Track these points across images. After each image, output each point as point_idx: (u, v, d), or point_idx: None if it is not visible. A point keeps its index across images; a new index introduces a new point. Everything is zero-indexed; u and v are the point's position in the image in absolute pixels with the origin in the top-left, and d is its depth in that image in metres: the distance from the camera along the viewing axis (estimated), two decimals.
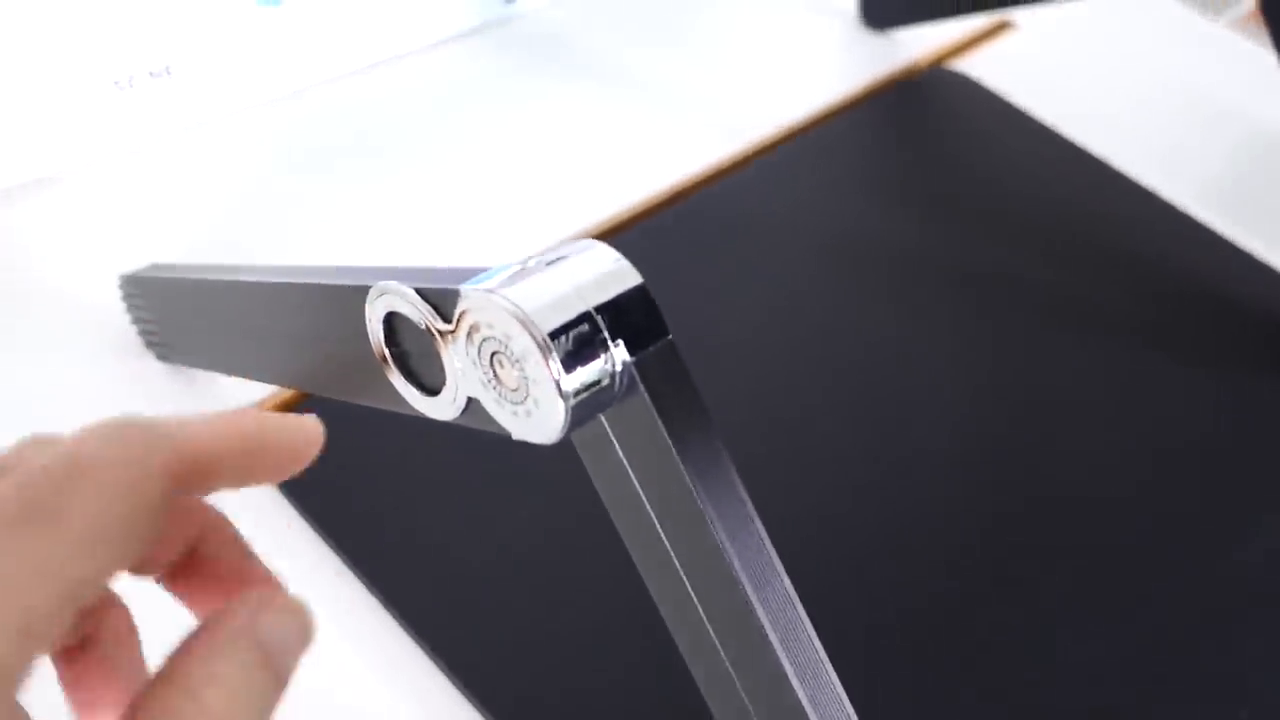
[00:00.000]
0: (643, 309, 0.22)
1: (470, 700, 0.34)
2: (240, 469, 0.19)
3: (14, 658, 0.14)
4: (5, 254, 0.43)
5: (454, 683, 0.34)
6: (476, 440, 0.38)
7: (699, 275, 0.49)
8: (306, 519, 0.37)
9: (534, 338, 0.20)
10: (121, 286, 0.39)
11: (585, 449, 0.23)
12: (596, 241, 0.23)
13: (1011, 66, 0.64)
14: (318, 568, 0.36)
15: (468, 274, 0.22)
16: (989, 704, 0.36)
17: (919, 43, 0.64)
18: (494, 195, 0.50)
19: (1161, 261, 0.55)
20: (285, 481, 0.34)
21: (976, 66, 0.64)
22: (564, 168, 0.52)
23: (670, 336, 0.22)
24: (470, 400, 0.23)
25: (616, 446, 0.23)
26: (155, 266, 0.39)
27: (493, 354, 0.21)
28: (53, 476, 0.15)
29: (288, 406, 0.40)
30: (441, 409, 0.24)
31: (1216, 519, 0.43)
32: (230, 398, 0.39)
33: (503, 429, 0.23)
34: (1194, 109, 0.65)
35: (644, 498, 0.22)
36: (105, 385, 0.39)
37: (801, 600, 0.23)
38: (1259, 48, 0.69)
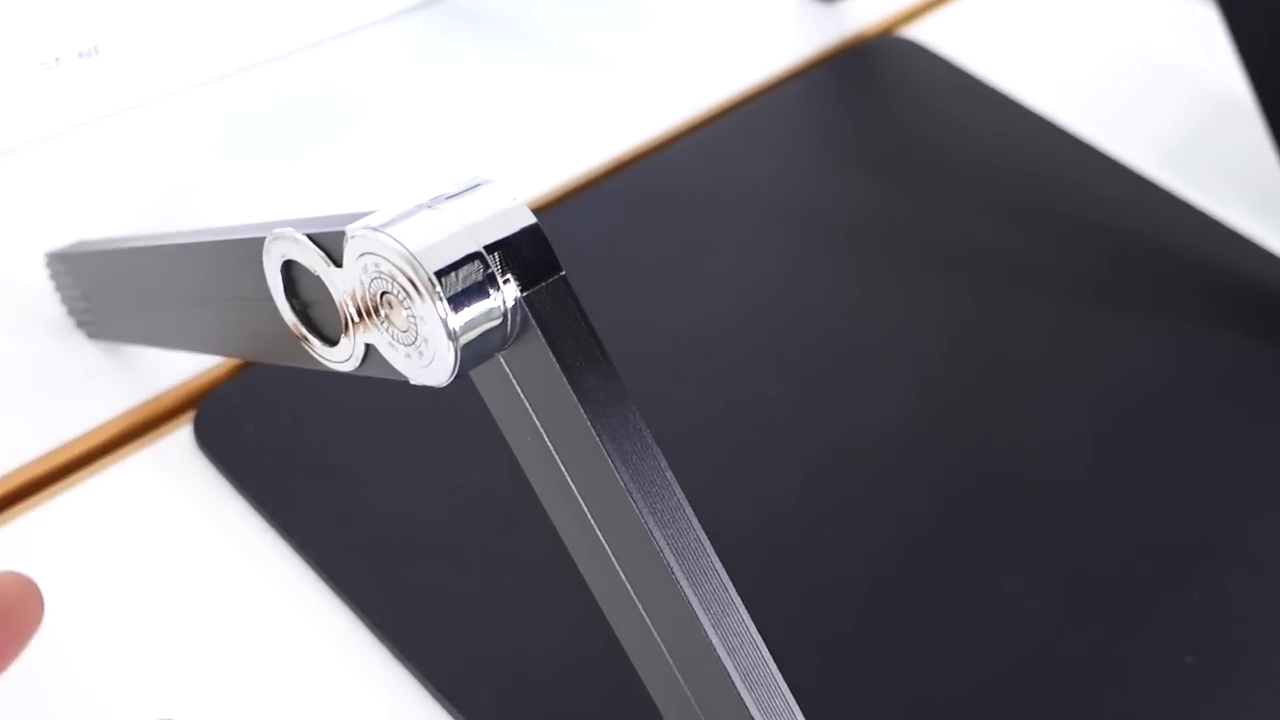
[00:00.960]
0: (535, 246, 0.21)
1: (421, 682, 0.33)
2: None
3: None
4: None
5: (398, 658, 0.34)
6: (418, 405, 0.38)
7: (644, 246, 0.49)
8: (254, 507, 0.36)
9: (420, 276, 0.20)
10: (48, 265, 0.39)
11: (487, 391, 0.23)
12: (490, 178, 0.23)
13: (963, 33, 0.64)
14: (256, 540, 0.36)
15: (355, 217, 0.22)
16: (937, 662, 0.36)
17: (869, 10, 0.64)
18: (436, 169, 0.50)
19: (1117, 223, 0.55)
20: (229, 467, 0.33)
21: (928, 33, 0.63)
22: (508, 140, 0.52)
23: (564, 273, 0.21)
24: (368, 348, 0.23)
25: (516, 385, 0.22)
26: (81, 243, 0.38)
27: (381, 294, 0.21)
28: None
29: (221, 379, 0.40)
30: (341, 358, 0.24)
31: (1170, 474, 0.43)
32: (162, 371, 0.39)
33: (400, 374, 0.22)
34: (1146, 71, 0.65)
35: (545, 437, 0.22)
36: (36, 364, 0.38)
37: (748, 576, 0.22)
38: (1210, 9, 0.69)
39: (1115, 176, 0.57)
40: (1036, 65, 0.63)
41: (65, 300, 0.39)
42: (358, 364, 0.23)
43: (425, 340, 0.21)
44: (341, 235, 0.21)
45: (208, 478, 0.36)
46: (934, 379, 0.46)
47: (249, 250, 0.24)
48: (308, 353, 0.25)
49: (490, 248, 0.21)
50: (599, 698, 0.33)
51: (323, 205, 0.47)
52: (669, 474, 0.22)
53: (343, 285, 0.22)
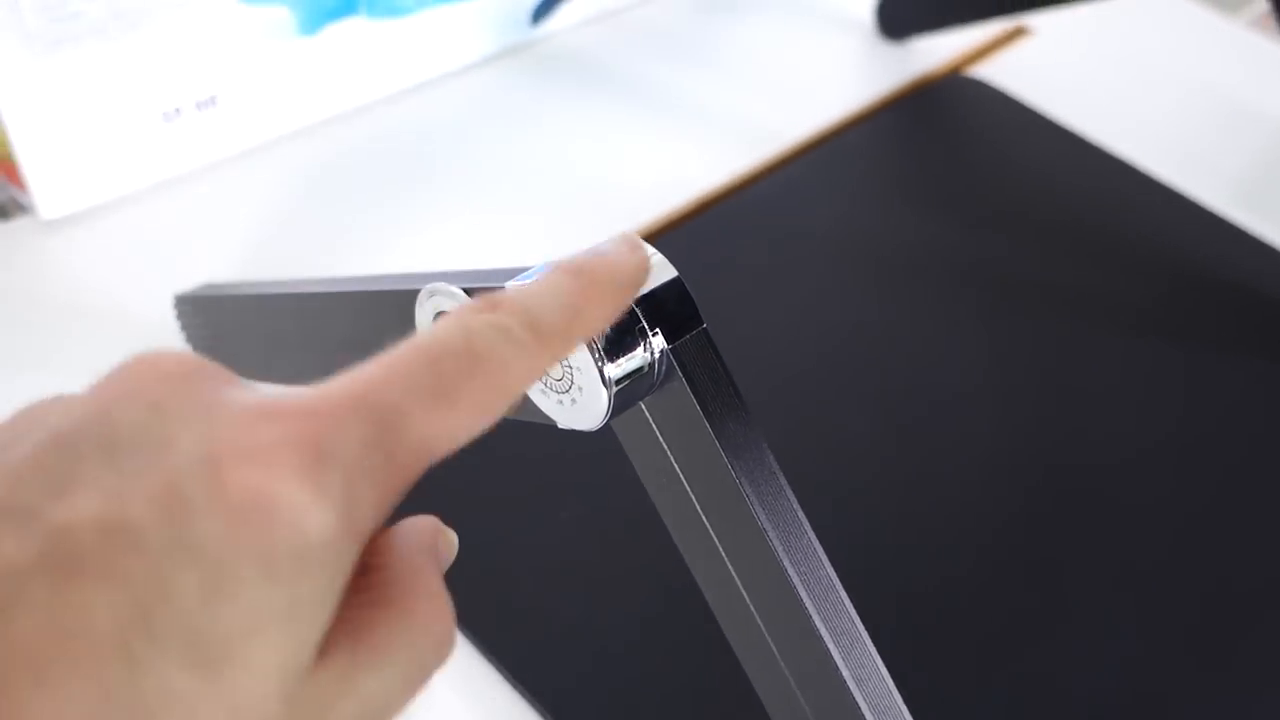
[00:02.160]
0: (678, 300, 0.23)
1: (522, 694, 0.35)
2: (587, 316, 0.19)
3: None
4: (64, 280, 0.45)
5: (505, 678, 0.35)
6: (522, 440, 0.40)
7: (727, 282, 0.50)
8: None
9: None
10: (176, 306, 0.41)
11: (626, 435, 0.24)
12: (634, 234, 0.24)
13: (1029, 71, 0.66)
14: None
15: (513, 273, 0.24)
16: (1018, 691, 0.37)
17: (936, 51, 0.65)
18: (527, 213, 0.52)
19: (1187, 259, 0.56)
20: None
21: (994, 72, 0.65)
22: (593, 183, 0.54)
23: (705, 326, 0.23)
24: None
25: (656, 431, 0.24)
26: (208, 286, 0.41)
27: None
28: None
29: None
30: None
31: (1243, 513, 0.44)
32: None
33: (549, 419, 0.24)
34: (1213, 107, 0.65)
35: (684, 480, 0.24)
36: None
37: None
38: (1276, 46, 0.70)
39: (1186, 213, 0.58)
40: (1104, 102, 0.64)
41: (190, 340, 0.41)
42: None
43: (579, 388, 0.22)
44: (502, 290, 0.23)
45: None
46: (1013, 412, 0.47)
47: (400, 302, 0.26)
48: None
49: (639, 300, 0.23)
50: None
51: (429, 249, 0.49)
52: (801, 514, 0.23)
53: None
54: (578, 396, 0.23)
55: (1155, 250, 0.56)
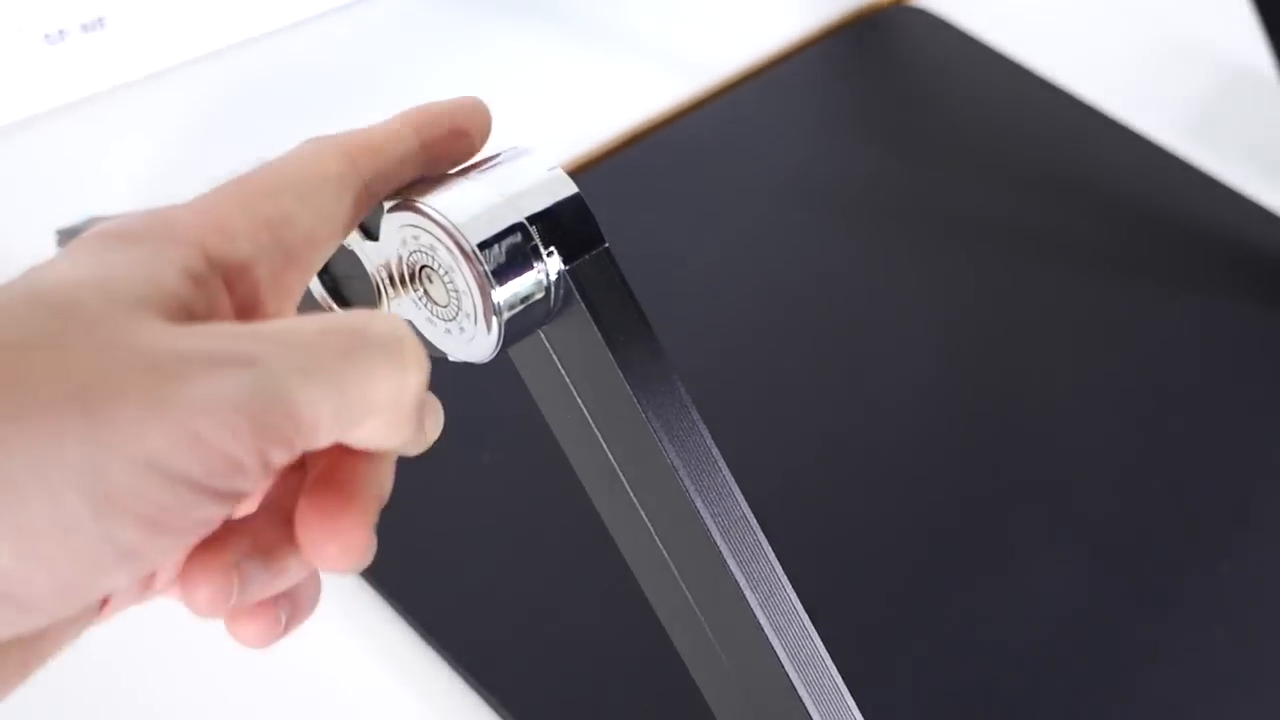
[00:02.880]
0: (577, 217, 0.21)
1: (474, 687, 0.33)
2: (412, 154, 0.20)
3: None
4: None
5: (421, 635, 0.33)
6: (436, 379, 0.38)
7: (661, 215, 0.48)
8: None
9: (462, 249, 0.20)
10: (59, 243, 0.38)
11: (525, 367, 0.22)
12: (530, 147, 0.22)
13: (976, 2, 0.63)
14: None
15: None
16: (965, 633, 0.36)
17: None
18: None
19: (1134, 194, 0.55)
20: None
21: (941, 3, 0.63)
22: (522, 111, 0.51)
23: (607, 245, 0.21)
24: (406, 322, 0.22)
25: (557, 361, 0.22)
26: (94, 219, 0.38)
27: (420, 268, 0.21)
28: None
29: None
30: None
31: (1193, 446, 0.43)
32: None
33: (438, 350, 0.22)
34: (1161, 38, 0.64)
35: (588, 414, 0.22)
36: None
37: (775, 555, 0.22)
38: None
39: (1133, 147, 0.56)
40: (1051, 35, 0.62)
41: None
42: None
43: (466, 315, 0.20)
44: (379, 208, 0.21)
45: None
46: (955, 348, 0.46)
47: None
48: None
49: (532, 219, 0.20)
50: (627, 678, 0.33)
51: None
52: (715, 450, 0.21)
53: (378, 259, 0.21)
54: (465, 325, 0.20)
55: (1101, 185, 0.55)
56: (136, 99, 0.46)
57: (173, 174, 0.45)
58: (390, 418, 0.16)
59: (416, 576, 0.34)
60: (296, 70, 0.50)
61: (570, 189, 0.21)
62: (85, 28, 0.44)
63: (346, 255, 0.22)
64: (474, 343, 0.21)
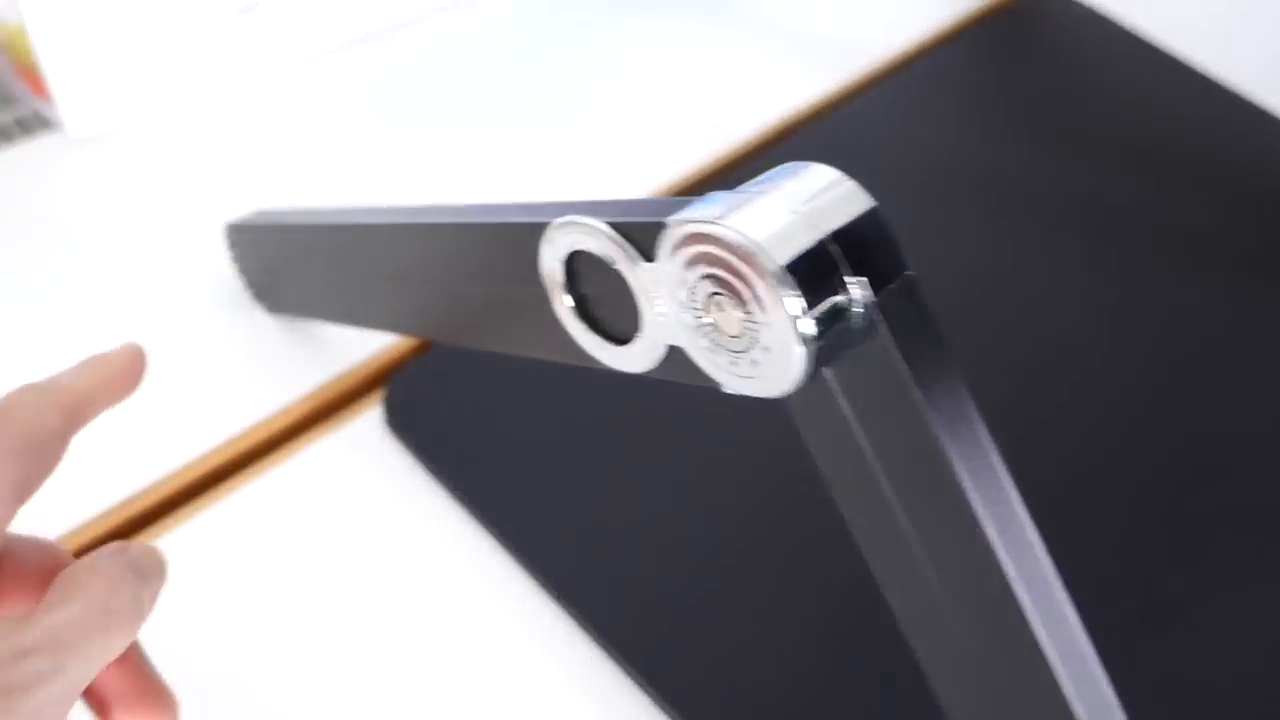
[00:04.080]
0: (879, 238, 0.19)
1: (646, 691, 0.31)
2: (104, 398, 0.25)
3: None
4: (92, 205, 0.41)
5: (627, 673, 0.32)
6: (620, 391, 0.36)
7: None
8: (462, 505, 0.34)
9: (768, 273, 0.17)
10: (228, 236, 0.37)
11: (801, 404, 0.20)
12: (814, 163, 0.20)
13: None
14: (457, 538, 0.34)
15: (666, 206, 0.19)
16: (1204, 646, 0.33)
17: None
18: (596, 136, 0.47)
19: None
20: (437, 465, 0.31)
21: None
22: (668, 107, 0.49)
23: (912, 272, 0.19)
24: (671, 349, 0.20)
25: (841, 401, 0.20)
26: (262, 213, 0.36)
27: (710, 295, 0.19)
28: None
29: (407, 356, 0.37)
30: (632, 359, 0.21)
31: None
32: (344, 348, 0.37)
33: (710, 381, 0.20)
34: None
35: (876, 464, 0.20)
36: (217, 341, 0.37)
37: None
38: None
39: None
40: (1204, 24, 0.58)
41: (243, 273, 0.37)
42: (652, 366, 0.21)
43: (765, 348, 0.18)
44: (659, 227, 0.19)
45: (399, 461, 0.34)
46: (1113, 344, 0.43)
47: (519, 237, 0.22)
48: (578, 348, 0.22)
49: (836, 236, 0.18)
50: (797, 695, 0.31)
51: (496, 171, 0.44)
52: (1018, 503, 0.19)
53: (650, 281, 0.19)
54: (761, 358, 0.18)
55: (1256, 178, 0.51)
56: (294, 85, 0.45)
57: (331, 160, 0.43)
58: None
59: (587, 578, 0.32)
60: (451, 55, 0.48)
61: (866, 202, 0.19)
62: (242, 9, 0.43)
63: (604, 273, 0.21)
64: (768, 377, 0.18)
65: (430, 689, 0.30)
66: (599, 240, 0.20)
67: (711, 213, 0.18)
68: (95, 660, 0.19)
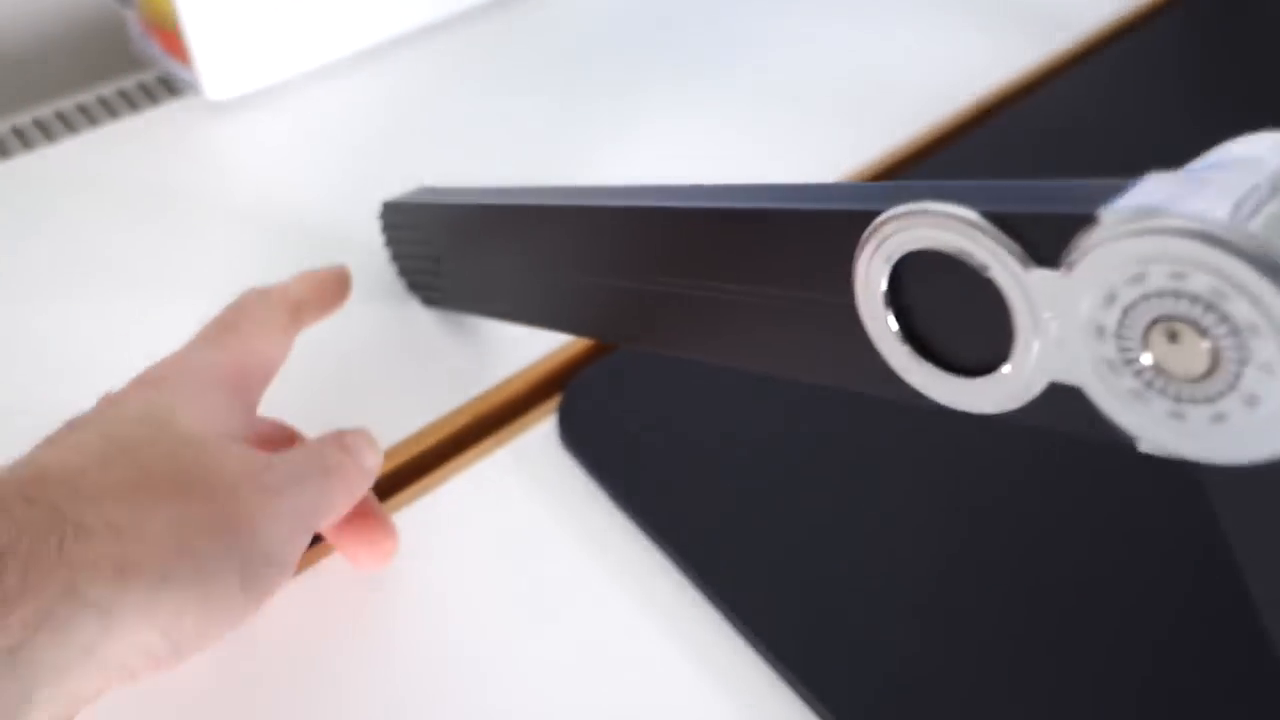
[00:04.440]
0: None
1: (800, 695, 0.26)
2: (316, 305, 0.28)
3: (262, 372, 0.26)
4: (228, 173, 0.37)
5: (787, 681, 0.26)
6: (824, 406, 0.30)
7: None
8: (627, 514, 0.30)
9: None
10: (383, 215, 0.32)
11: (1262, 479, 0.15)
12: (1264, 133, 0.14)
13: None
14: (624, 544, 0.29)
15: (1076, 193, 0.14)
16: None
17: None
18: (783, 112, 0.42)
19: None
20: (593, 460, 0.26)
21: None
22: (860, 80, 0.44)
23: None
24: (1054, 388, 0.15)
25: None
26: (424, 191, 0.32)
27: (1153, 321, 0.13)
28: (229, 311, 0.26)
29: (583, 359, 0.33)
30: (983, 397, 0.16)
31: None
32: (516, 350, 0.32)
33: (1116, 433, 0.15)
34: None
35: None
36: (367, 337, 0.32)
37: None
38: None
39: None
40: None
41: (399, 259, 0.33)
42: (1015, 407, 0.16)
43: (1248, 397, 0.13)
44: (1082, 222, 0.13)
45: (574, 481, 0.29)
46: None
47: (831, 228, 0.17)
48: (892, 378, 0.17)
49: None
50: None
51: (675, 148, 0.39)
52: None
53: (1047, 296, 0.14)
54: (1235, 410, 0.13)
55: None
56: (439, 52, 0.41)
57: (492, 131, 0.39)
58: (351, 502, 0.24)
59: (768, 604, 0.27)
60: (625, 8, 0.43)
61: None
62: None
63: (955, 283, 0.15)
64: (1241, 437, 0.13)
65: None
66: (966, 237, 0.15)
67: (1179, 204, 0.13)
68: (327, 497, 0.23)
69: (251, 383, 0.25)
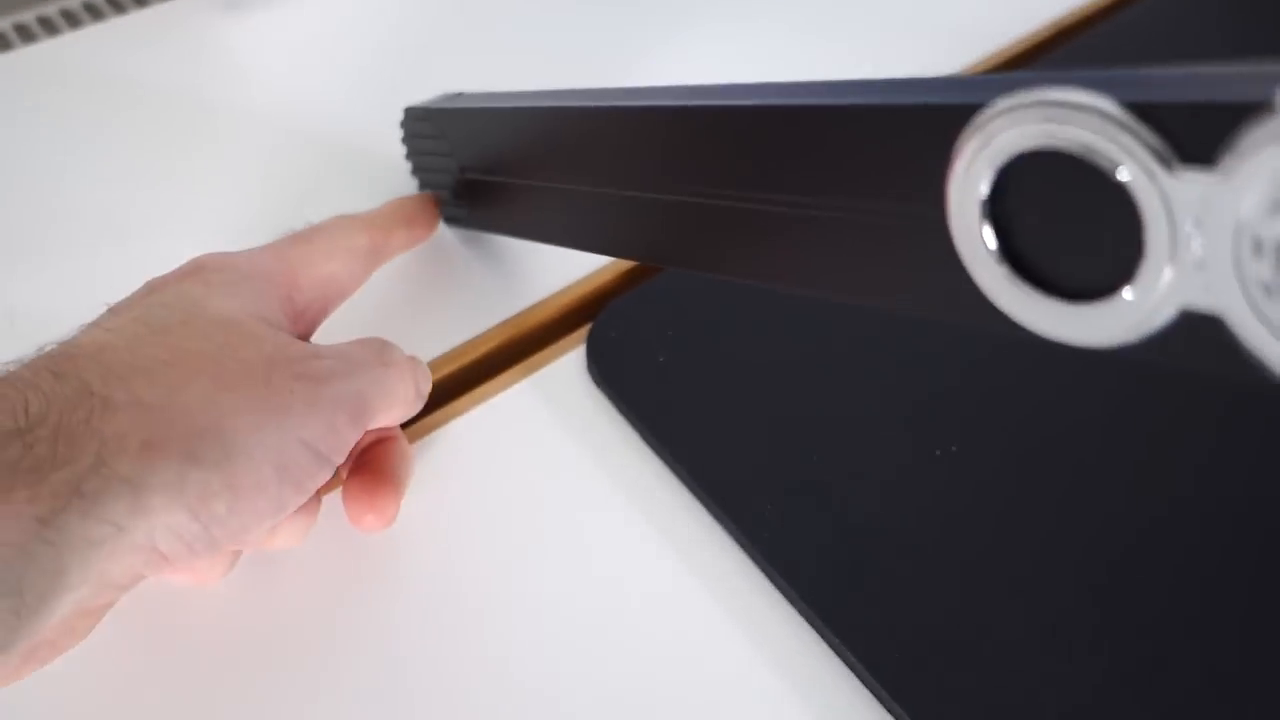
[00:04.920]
0: None
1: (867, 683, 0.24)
2: (403, 235, 0.28)
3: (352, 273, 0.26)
4: (243, 74, 0.35)
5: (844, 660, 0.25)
6: (873, 344, 0.28)
7: None
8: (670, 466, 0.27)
9: None
10: (405, 123, 0.30)
11: None
12: None
13: None
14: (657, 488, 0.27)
15: (1236, 77, 0.12)
16: None
17: None
18: (868, 15, 0.39)
19: None
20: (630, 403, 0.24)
21: None
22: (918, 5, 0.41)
23: None
24: (1186, 316, 0.13)
25: None
26: (450, 96, 0.29)
27: None
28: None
29: (615, 287, 0.30)
30: (1099, 326, 0.14)
31: None
32: (545, 277, 0.30)
33: (1258, 367, 0.12)
34: None
35: None
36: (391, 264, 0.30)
37: None
38: None
39: None
40: None
41: (420, 172, 0.31)
42: (1136, 339, 0.13)
43: None
44: (1254, 110, 0.11)
45: (600, 415, 0.27)
46: None
47: (923, 124, 0.15)
48: (983, 302, 0.15)
49: None
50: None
51: (717, 58, 0.37)
52: None
53: (1193, 203, 0.12)
54: None
55: None
56: None
57: (523, 37, 0.36)
58: (405, 407, 0.24)
59: (799, 552, 0.25)
60: None
61: None
62: None
63: (1073, 190, 0.13)
64: None
65: (624, 664, 0.24)
66: (1096, 132, 0.13)
67: None
68: (384, 389, 0.23)
69: (303, 295, 0.24)
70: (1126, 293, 0.13)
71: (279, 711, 0.22)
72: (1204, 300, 0.12)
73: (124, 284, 0.23)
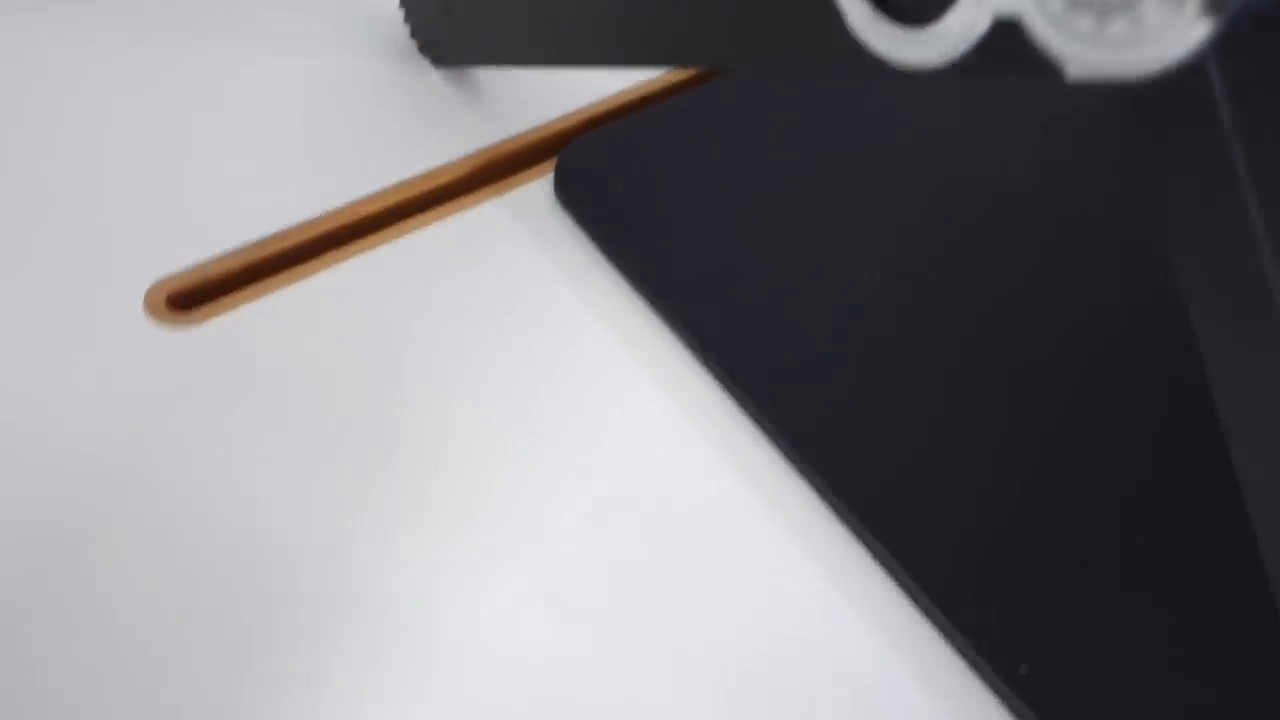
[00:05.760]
0: None
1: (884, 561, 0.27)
2: None
3: None
4: None
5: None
6: (819, 171, 0.31)
7: None
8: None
9: None
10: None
11: (1159, 102, 0.15)
12: None
13: None
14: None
15: None
16: None
17: None
18: None
19: None
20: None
21: None
22: None
23: None
24: (997, 26, 0.16)
25: (1223, 107, 0.15)
26: None
27: None
28: None
29: (584, 125, 0.34)
30: (932, 44, 0.17)
31: None
32: (523, 112, 0.33)
33: (1047, 66, 0.15)
34: None
35: (1253, 196, 0.15)
36: (376, 92, 0.33)
37: None
38: None
39: None
40: None
41: (412, 15, 0.33)
42: (960, 53, 0.16)
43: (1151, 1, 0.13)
44: None
45: (566, 233, 0.31)
46: None
47: None
48: (846, 39, 0.18)
49: None
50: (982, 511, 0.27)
51: None
52: None
53: None
54: (1143, 16, 0.14)
55: None
56: None
57: None
58: None
59: (763, 370, 0.28)
60: None
61: None
62: None
63: None
64: (1149, 43, 0.14)
65: (579, 474, 0.27)
66: None
67: None
68: None
69: None
70: (952, 12, 0.16)
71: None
72: (1008, 6, 0.15)
73: None
